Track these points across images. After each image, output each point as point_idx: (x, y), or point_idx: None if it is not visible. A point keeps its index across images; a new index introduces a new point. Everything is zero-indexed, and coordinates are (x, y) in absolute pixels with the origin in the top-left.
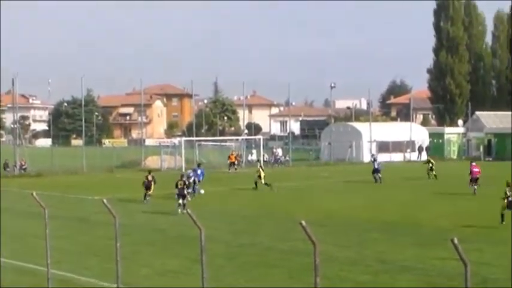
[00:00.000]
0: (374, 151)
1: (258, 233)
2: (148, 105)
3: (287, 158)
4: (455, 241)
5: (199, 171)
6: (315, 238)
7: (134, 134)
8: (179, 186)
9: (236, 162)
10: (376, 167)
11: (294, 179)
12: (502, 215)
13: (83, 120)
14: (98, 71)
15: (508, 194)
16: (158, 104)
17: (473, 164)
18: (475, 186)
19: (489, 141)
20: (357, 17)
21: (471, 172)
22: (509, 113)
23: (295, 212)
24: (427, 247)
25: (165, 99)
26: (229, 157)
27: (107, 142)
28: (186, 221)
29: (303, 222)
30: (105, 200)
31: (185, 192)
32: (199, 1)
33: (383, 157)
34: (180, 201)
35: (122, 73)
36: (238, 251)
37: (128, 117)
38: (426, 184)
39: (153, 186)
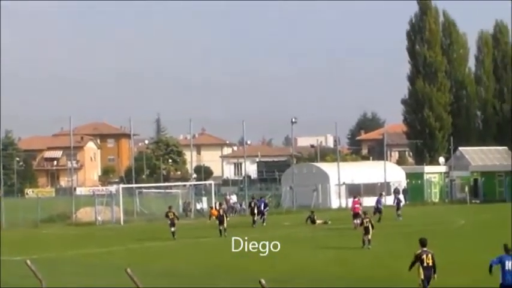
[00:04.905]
0: (343, 195)
1: None
2: (79, 148)
3: (243, 206)
4: None
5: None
6: None
7: (63, 181)
8: (170, 217)
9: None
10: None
11: (251, 230)
12: None
13: (1, 167)
14: (17, 109)
15: None
16: (91, 146)
17: (356, 199)
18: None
19: (475, 181)
20: (320, 41)
21: (352, 208)
22: (497, 148)
23: (254, 269)
24: None
25: (98, 141)
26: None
27: (30, 192)
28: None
29: (263, 281)
30: (29, 261)
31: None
32: (133, 29)
33: None
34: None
35: (47, 110)
36: None
37: (55, 163)
38: (416, 231)
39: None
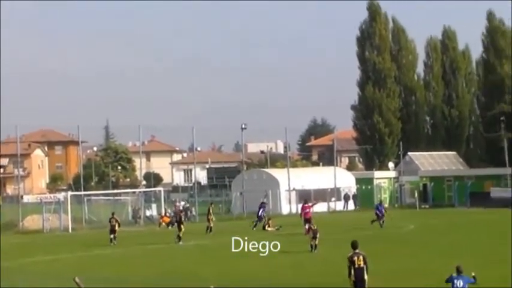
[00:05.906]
0: (294, 200)
1: None
2: (26, 155)
3: (193, 213)
4: None
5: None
6: None
7: (9, 189)
8: (112, 223)
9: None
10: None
11: (200, 236)
12: None
13: None
14: None
15: None
16: (38, 153)
17: (306, 205)
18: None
19: (424, 185)
20: (270, 45)
21: (302, 213)
22: (446, 153)
23: (205, 275)
24: None
25: (46, 148)
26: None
27: None
28: None
29: None
30: None
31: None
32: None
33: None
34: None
35: None
36: None
37: (1, 170)
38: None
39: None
